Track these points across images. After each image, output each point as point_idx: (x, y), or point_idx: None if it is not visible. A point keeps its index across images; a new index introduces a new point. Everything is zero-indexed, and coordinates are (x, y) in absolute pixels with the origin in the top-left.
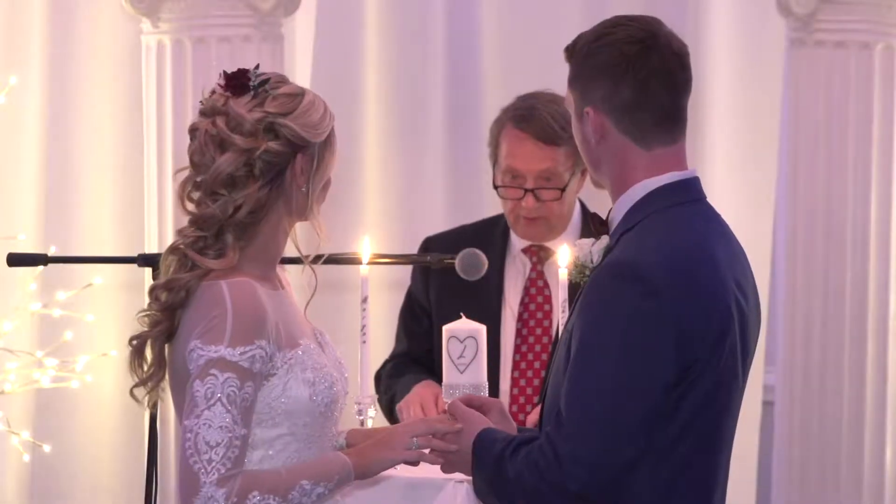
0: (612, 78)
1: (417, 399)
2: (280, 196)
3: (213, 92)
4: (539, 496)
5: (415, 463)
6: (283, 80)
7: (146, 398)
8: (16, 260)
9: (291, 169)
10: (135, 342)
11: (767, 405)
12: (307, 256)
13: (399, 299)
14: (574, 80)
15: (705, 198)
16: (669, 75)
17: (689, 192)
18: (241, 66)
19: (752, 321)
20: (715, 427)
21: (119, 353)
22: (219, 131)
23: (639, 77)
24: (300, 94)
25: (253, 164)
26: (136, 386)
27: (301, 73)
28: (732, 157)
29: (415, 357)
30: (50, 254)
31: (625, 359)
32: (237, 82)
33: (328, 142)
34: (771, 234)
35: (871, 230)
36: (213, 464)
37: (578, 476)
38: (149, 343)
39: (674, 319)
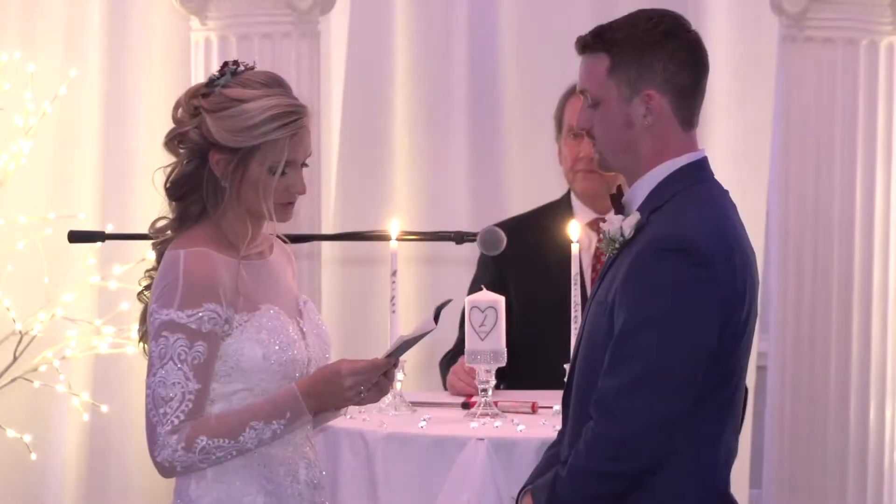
0: (675, 61)
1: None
2: (210, 181)
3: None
4: (584, 473)
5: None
6: (242, 83)
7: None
8: (76, 237)
9: (210, 160)
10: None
11: (761, 370)
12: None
13: (425, 273)
14: (624, 65)
15: (714, 175)
16: (707, 61)
17: (705, 172)
18: (282, 61)
19: (758, 286)
20: (736, 387)
21: None
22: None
23: (696, 61)
24: (242, 100)
25: (183, 141)
26: (141, 339)
27: (336, 67)
28: (728, 145)
29: None
30: (107, 231)
31: (676, 325)
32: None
33: (260, 150)
34: (764, 217)
35: (856, 211)
36: (168, 416)
37: (623, 436)
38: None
39: (719, 287)
